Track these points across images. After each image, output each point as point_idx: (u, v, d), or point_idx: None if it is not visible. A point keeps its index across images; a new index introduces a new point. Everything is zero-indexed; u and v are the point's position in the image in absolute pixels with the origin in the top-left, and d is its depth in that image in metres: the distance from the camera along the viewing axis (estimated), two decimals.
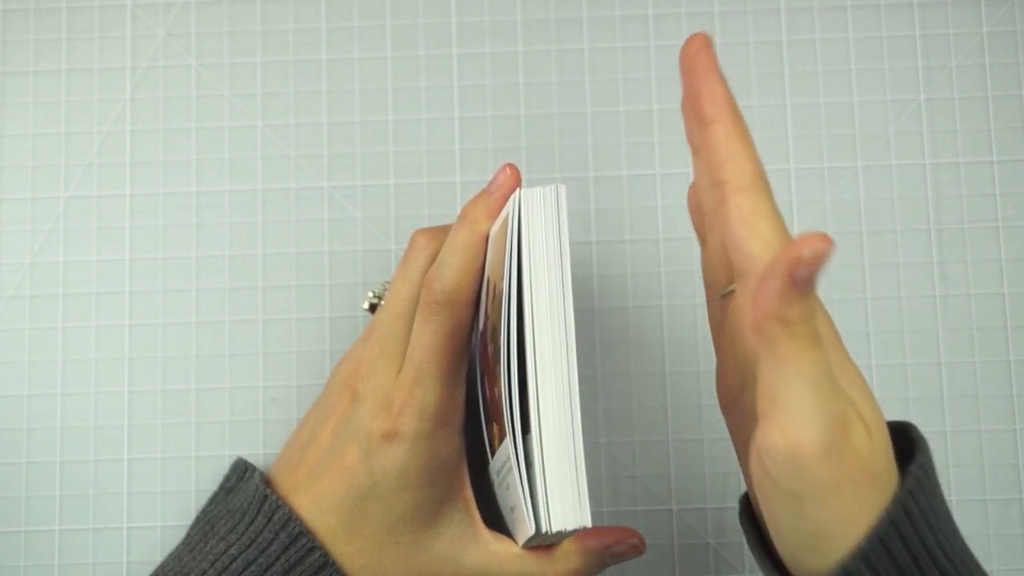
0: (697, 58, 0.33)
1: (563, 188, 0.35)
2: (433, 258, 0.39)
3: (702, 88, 0.33)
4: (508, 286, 0.34)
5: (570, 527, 0.33)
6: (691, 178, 0.47)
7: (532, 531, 0.33)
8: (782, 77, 0.47)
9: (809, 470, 0.29)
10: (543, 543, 0.37)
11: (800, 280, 0.28)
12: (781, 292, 0.28)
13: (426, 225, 0.46)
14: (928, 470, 0.32)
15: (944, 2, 0.48)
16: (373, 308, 0.44)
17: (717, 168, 0.33)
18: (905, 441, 0.34)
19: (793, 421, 0.29)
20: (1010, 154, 0.47)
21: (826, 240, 0.29)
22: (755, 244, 0.32)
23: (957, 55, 0.47)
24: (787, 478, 0.30)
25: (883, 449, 0.31)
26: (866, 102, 0.47)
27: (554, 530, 0.33)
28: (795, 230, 0.46)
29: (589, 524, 0.33)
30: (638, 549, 0.40)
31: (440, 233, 0.40)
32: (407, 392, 0.36)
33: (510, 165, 0.37)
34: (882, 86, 0.47)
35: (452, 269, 0.36)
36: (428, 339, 0.36)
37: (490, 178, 0.38)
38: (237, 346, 0.46)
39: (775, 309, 0.29)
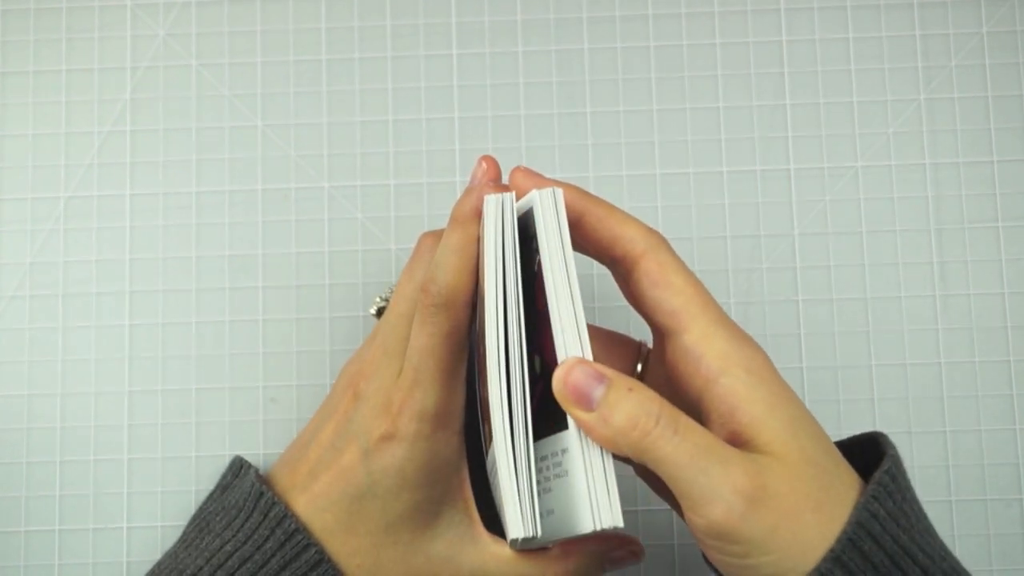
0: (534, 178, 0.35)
1: (560, 191, 0.34)
2: None
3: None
4: (495, 290, 0.34)
5: (607, 525, 0.33)
6: (690, 177, 0.47)
7: (527, 534, 0.33)
8: (782, 77, 0.47)
9: (738, 535, 0.31)
10: (527, 547, 0.36)
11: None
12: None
13: (426, 225, 0.47)
14: (894, 474, 0.33)
15: (944, 2, 0.48)
16: (380, 312, 0.43)
17: (609, 250, 0.35)
18: (875, 450, 0.35)
19: (700, 503, 0.31)
20: (1010, 154, 0.47)
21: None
22: (674, 299, 0.34)
23: (957, 55, 0.47)
24: (724, 547, 0.32)
25: (810, 471, 0.32)
26: (866, 102, 0.47)
27: (603, 527, 0.33)
28: (795, 230, 0.46)
29: (621, 524, 0.33)
30: (638, 556, 0.40)
31: None
32: (406, 393, 0.36)
33: (485, 157, 0.37)
34: (882, 86, 0.47)
35: (446, 271, 0.36)
36: (425, 341, 0.36)
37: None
38: (237, 346, 0.46)
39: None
